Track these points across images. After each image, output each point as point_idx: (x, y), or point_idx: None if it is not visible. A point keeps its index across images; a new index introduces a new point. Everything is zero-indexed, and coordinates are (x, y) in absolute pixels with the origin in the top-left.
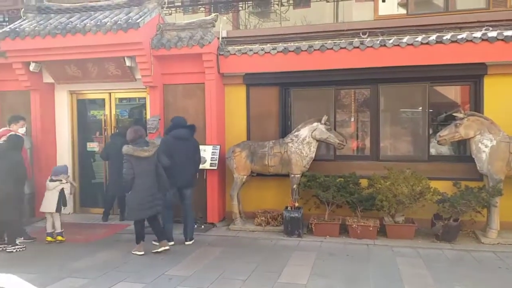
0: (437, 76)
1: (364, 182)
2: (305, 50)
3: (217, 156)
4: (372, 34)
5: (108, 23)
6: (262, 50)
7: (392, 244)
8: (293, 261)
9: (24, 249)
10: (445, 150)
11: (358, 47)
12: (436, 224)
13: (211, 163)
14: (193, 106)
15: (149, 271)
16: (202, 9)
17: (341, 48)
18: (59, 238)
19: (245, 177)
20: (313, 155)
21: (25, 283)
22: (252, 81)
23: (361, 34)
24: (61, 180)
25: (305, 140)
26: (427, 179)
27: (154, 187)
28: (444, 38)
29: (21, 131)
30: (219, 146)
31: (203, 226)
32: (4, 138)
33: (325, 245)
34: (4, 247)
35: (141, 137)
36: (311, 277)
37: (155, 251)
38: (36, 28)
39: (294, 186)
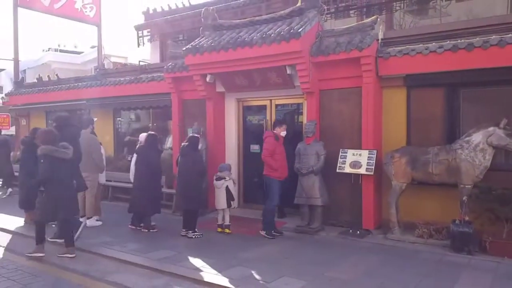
0: None
1: None
2: (479, 47)
3: (373, 161)
4: None
5: (272, 35)
6: (426, 49)
7: None
8: (464, 280)
9: (201, 236)
10: None
11: None
12: None
13: (367, 168)
14: (349, 110)
15: (309, 269)
16: (354, 13)
17: None
18: (227, 230)
19: (404, 184)
20: (488, 164)
21: (207, 266)
22: (414, 82)
23: None
24: (225, 178)
25: (478, 147)
26: None
27: None
28: None
29: (283, 134)
30: (375, 151)
31: (358, 232)
32: (185, 141)
33: (503, 267)
34: (187, 233)
35: None
36: None
37: None
38: (212, 44)
39: (464, 198)
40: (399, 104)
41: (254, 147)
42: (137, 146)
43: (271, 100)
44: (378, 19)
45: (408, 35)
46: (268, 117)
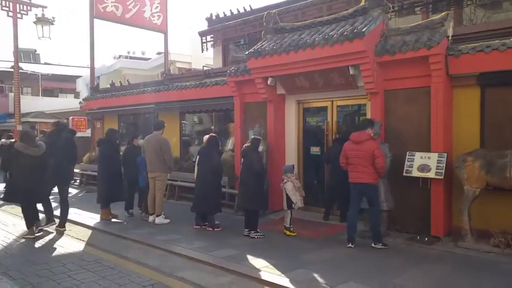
0: None
1: None
2: None
3: (443, 165)
4: None
5: (335, 36)
6: (503, 45)
7: None
8: None
9: (263, 236)
10: None
11: None
12: None
13: (436, 172)
14: (416, 110)
15: (375, 275)
16: (420, 10)
17: None
18: (287, 232)
19: (478, 190)
20: None
21: (270, 266)
22: (489, 81)
23: None
24: (283, 180)
25: None
26: None
27: None
28: None
29: (373, 135)
30: (445, 154)
31: (426, 239)
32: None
33: None
34: (249, 233)
35: None
36: None
37: None
38: (274, 47)
39: None
40: (471, 104)
41: (315, 149)
42: (200, 148)
43: (332, 101)
44: (448, 16)
45: (481, 31)
46: (329, 119)
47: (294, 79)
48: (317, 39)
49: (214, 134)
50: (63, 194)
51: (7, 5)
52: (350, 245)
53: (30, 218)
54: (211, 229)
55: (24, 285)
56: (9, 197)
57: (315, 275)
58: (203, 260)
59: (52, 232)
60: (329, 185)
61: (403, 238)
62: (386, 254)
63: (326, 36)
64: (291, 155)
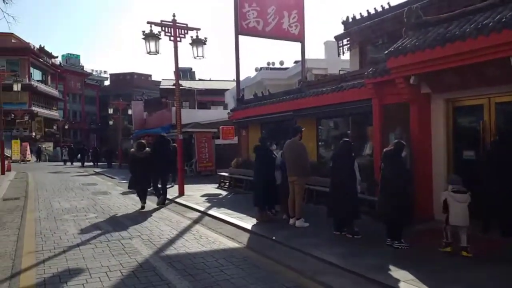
0: None
1: None
2: None
3: None
4: None
5: (491, 24)
6: None
7: None
8: None
9: (408, 247)
10: None
11: None
12: None
13: None
14: None
15: None
16: None
17: None
18: (464, 253)
19: None
20: None
21: (417, 280)
22: None
23: None
24: (467, 192)
25: None
26: None
27: None
28: None
29: None
30: None
31: None
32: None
33: None
34: (392, 243)
35: None
36: None
37: None
38: (416, 43)
39: None
40: None
41: (468, 153)
42: (333, 153)
43: (489, 98)
44: None
45: None
46: (485, 118)
47: (441, 76)
48: (468, 29)
49: (347, 139)
50: (164, 183)
51: (169, 31)
52: None
53: (144, 198)
54: (350, 236)
55: (184, 275)
56: (130, 186)
57: None
58: (344, 267)
59: (209, 229)
60: (487, 193)
61: None
62: None
63: (480, 26)
64: (439, 160)
